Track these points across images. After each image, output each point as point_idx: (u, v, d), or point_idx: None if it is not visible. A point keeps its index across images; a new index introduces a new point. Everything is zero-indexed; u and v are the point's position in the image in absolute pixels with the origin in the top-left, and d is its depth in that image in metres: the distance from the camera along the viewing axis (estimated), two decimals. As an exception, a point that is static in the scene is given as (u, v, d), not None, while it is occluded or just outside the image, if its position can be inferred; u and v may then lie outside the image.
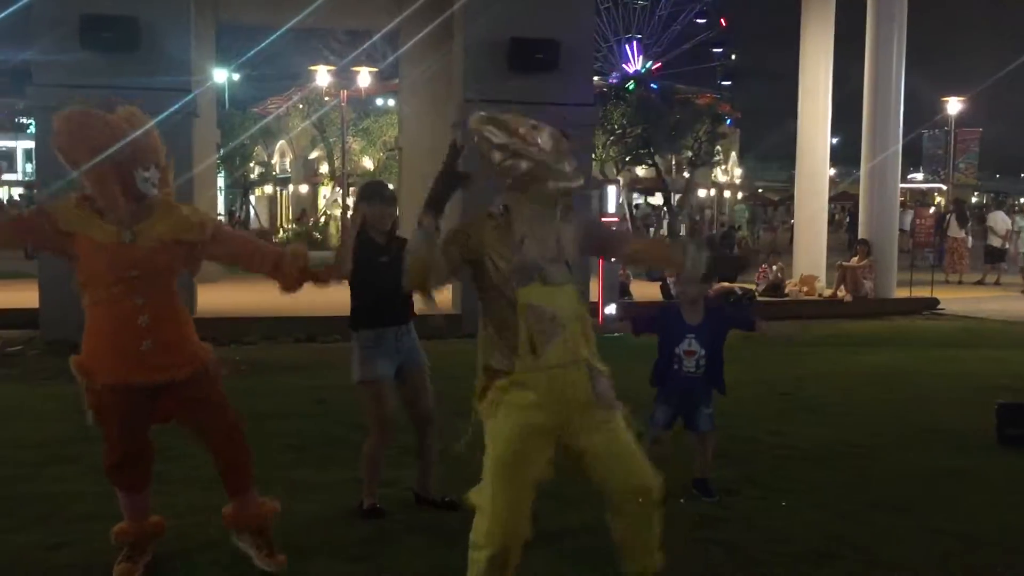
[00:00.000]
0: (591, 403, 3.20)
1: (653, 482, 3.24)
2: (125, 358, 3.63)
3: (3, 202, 32.38)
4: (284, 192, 49.94)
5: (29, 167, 44.17)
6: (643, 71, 58.42)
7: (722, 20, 56.47)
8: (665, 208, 39.03)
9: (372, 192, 4.66)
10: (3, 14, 10.86)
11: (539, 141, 3.18)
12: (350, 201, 17.24)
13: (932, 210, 23.66)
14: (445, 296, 11.87)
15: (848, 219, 30.01)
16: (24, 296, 11.47)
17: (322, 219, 34.02)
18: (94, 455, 5.24)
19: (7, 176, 49.03)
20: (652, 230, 43.84)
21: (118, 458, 3.79)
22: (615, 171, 37.06)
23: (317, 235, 28.70)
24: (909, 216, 22.14)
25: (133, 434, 3.77)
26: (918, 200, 42.32)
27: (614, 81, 52.59)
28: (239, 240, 4.07)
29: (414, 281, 3.19)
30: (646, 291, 13.92)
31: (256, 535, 3.94)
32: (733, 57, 58.96)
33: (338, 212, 30.73)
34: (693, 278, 3.27)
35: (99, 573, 3.83)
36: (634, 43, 58.79)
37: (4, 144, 51.39)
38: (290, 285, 3.85)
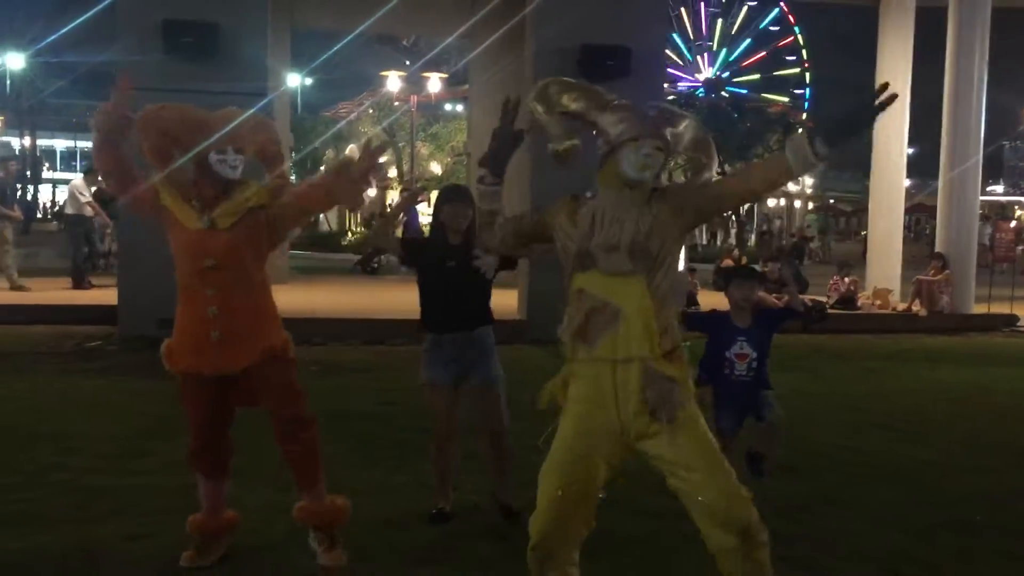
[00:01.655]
0: (643, 408, 2.94)
1: (740, 503, 2.92)
2: (195, 348, 3.72)
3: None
4: (354, 195, 50.52)
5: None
6: (713, 76, 57.77)
7: (786, 11, 54.97)
8: (734, 217, 38.57)
9: (451, 193, 4.69)
10: (85, 16, 11.18)
11: (601, 122, 3.14)
12: (419, 207, 17.33)
13: (1013, 224, 23.00)
14: (511, 302, 11.87)
15: (927, 231, 29.28)
16: (101, 293, 12.05)
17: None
18: (168, 450, 5.40)
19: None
20: (719, 237, 43.48)
21: (197, 444, 3.88)
22: (683, 180, 36.74)
23: None
24: (988, 230, 21.55)
25: (208, 421, 3.85)
26: (998, 213, 41.10)
27: (684, 89, 52.14)
28: (299, 189, 4.05)
29: (479, 234, 3.28)
30: (712, 300, 13.75)
31: (319, 531, 3.97)
32: (807, 65, 57.75)
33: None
34: (812, 168, 2.99)
35: (176, 565, 3.91)
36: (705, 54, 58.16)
37: (84, 145, 53.02)
38: (353, 195, 3.87)
